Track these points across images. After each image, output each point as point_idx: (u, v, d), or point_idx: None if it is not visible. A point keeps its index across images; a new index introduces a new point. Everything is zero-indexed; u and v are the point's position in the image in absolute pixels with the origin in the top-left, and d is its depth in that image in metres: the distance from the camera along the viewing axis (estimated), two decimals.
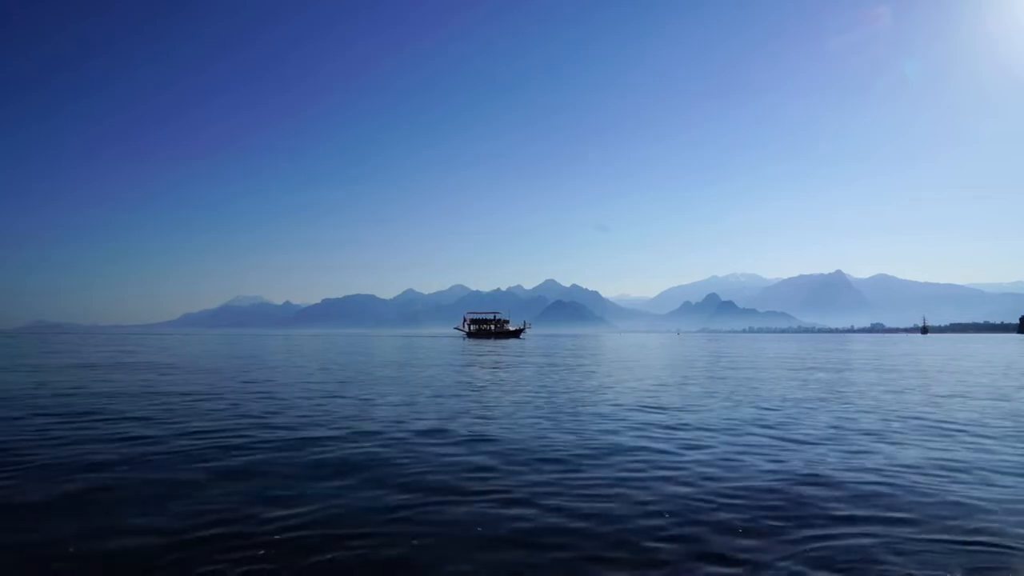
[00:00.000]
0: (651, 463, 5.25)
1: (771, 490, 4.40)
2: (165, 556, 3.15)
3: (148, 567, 3.02)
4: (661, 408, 8.81)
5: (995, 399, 10.28)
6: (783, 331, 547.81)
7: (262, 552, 3.20)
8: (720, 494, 4.28)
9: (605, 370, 17.29)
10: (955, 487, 4.51)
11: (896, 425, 7.39)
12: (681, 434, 6.67)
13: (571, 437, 6.48)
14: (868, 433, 6.79)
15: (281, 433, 6.64)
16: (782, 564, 3.09)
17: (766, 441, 6.28)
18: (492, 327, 69.82)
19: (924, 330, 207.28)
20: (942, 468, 5.11)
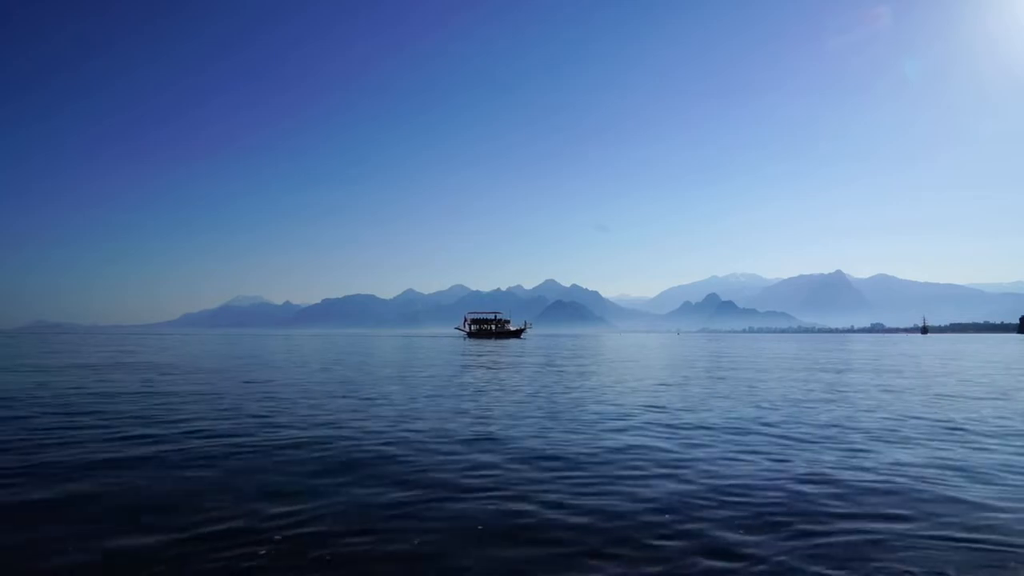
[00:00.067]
0: (652, 461, 5.26)
1: (771, 488, 4.41)
2: (167, 553, 3.16)
3: (149, 566, 3.03)
4: (661, 407, 8.82)
5: (995, 398, 10.29)
6: (783, 331, 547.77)
7: (263, 552, 3.21)
8: (721, 491, 4.30)
9: (605, 370, 17.31)
10: (955, 486, 4.52)
11: (896, 425, 7.40)
12: (682, 433, 6.69)
13: (572, 436, 6.49)
14: (868, 432, 6.81)
15: (282, 432, 6.65)
16: (781, 559, 3.11)
17: (766, 440, 6.29)
18: (493, 327, 69.83)
19: (924, 330, 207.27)
20: (942, 467, 5.12)
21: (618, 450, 5.73)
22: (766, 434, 6.62)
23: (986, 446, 6.04)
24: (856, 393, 11.01)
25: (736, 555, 3.16)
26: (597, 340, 70.00)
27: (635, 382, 13.09)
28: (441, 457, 5.40)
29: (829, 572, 2.95)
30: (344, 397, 10.01)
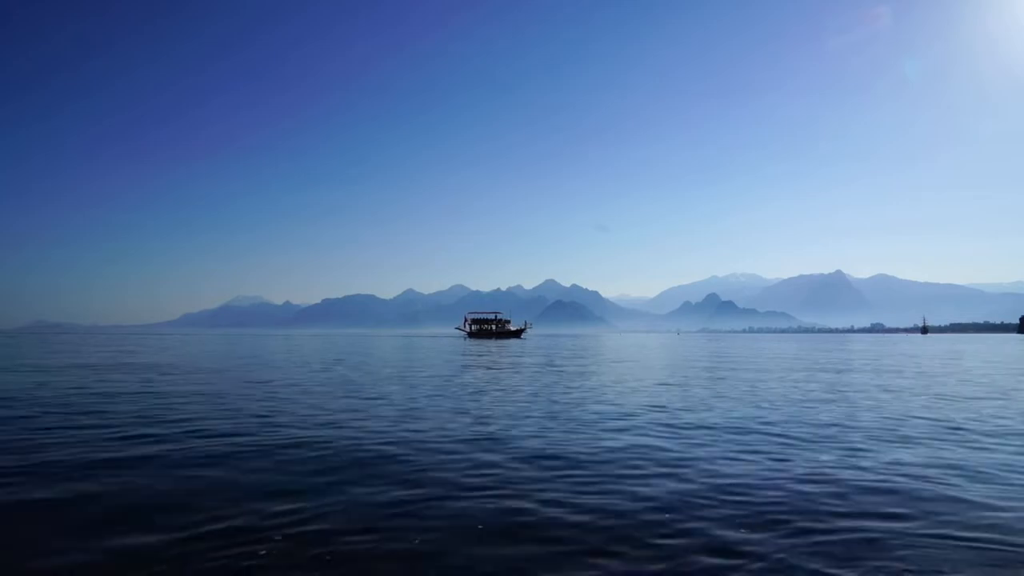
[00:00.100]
0: (652, 461, 5.27)
1: (772, 487, 4.42)
2: (168, 552, 3.16)
3: (150, 565, 3.04)
4: (662, 407, 8.83)
5: (996, 398, 10.30)
6: (783, 331, 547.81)
7: (264, 551, 3.22)
8: (721, 490, 4.31)
9: (605, 370, 17.32)
10: (955, 485, 4.53)
11: (896, 424, 7.41)
12: (682, 433, 6.69)
13: (572, 436, 6.50)
14: (868, 432, 6.81)
15: (283, 432, 6.66)
16: (780, 556, 3.12)
17: (767, 440, 6.30)
18: (493, 327, 69.87)
19: (924, 330, 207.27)
20: (942, 467, 5.13)
21: (618, 450, 5.74)
22: (766, 434, 6.62)
23: (986, 446, 6.05)
24: (856, 393, 11.02)
25: (736, 552, 3.17)
26: (597, 340, 70.01)
27: (635, 382, 13.10)
28: (442, 456, 5.40)
29: (828, 570, 2.95)
30: (344, 397, 10.02)
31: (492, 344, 44.37)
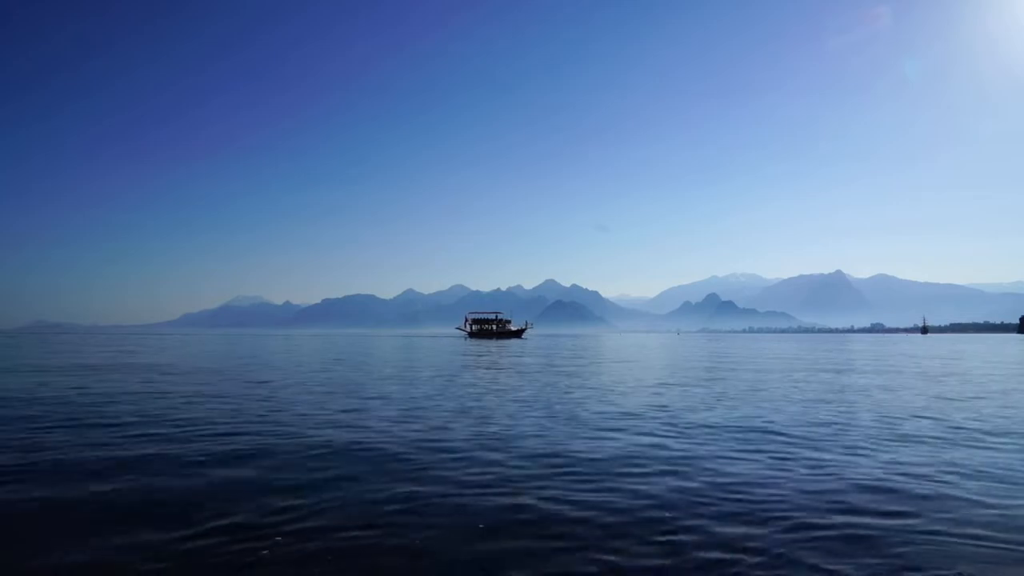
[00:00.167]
0: (653, 459, 5.30)
1: (772, 485, 4.45)
2: (168, 550, 3.19)
3: (151, 564, 3.06)
4: (662, 407, 8.85)
5: (996, 398, 10.32)
6: (783, 331, 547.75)
7: (265, 549, 3.24)
8: (721, 488, 4.34)
9: (606, 370, 17.34)
10: (954, 484, 4.56)
11: (896, 424, 7.43)
12: (682, 432, 6.72)
13: (572, 435, 6.53)
14: (868, 431, 6.84)
15: (283, 431, 6.69)
16: (780, 552, 3.14)
17: (767, 439, 6.33)
18: (494, 327, 69.91)
19: (924, 330, 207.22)
20: (941, 465, 5.16)
21: (619, 449, 5.77)
22: (767, 432, 6.65)
23: (986, 445, 6.07)
24: (856, 393, 11.05)
25: (736, 548, 3.20)
26: (597, 340, 70.02)
27: (635, 382, 13.13)
28: (442, 455, 5.43)
29: (827, 565, 2.98)
30: (345, 397, 10.04)
31: (493, 344, 44.39)
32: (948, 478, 4.66)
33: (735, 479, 4.61)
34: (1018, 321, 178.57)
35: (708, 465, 5.07)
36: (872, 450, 5.71)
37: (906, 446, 5.93)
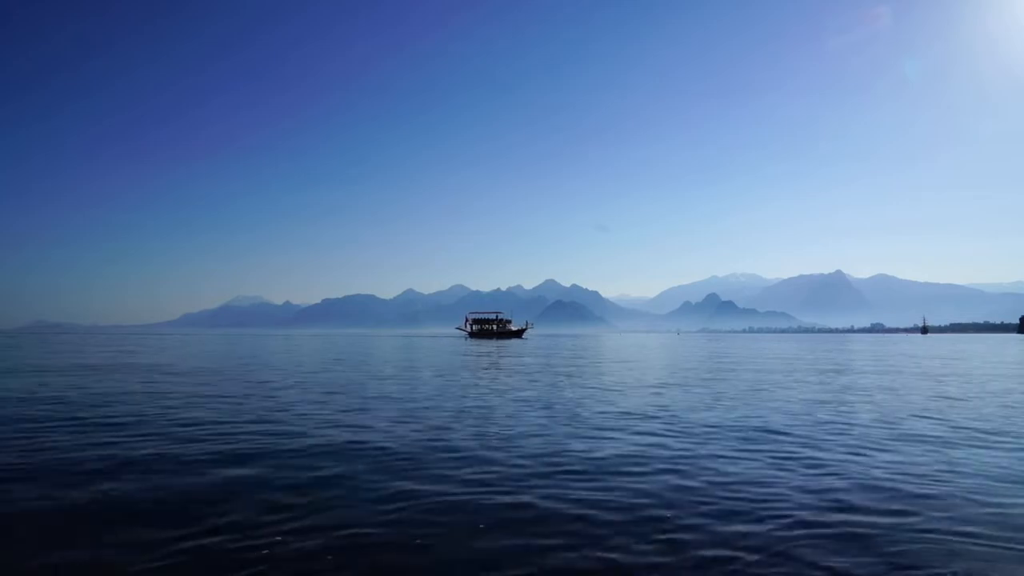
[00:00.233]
0: (653, 458, 5.30)
1: (772, 484, 4.46)
2: (169, 549, 3.20)
3: (152, 563, 3.07)
4: (662, 407, 8.86)
5: (995, 398, 10.33)
6: (783, 331, 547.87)
7: (266, 548, 3.25)
8: (721, 487, 4.35)
9: (606, 370, 17.35)
10: (954, 483, 4.57)
11: (896, 424, 7.45)
12: (682, 432, 6.73)
13: (573, 434, 6.54)
14: (868, 431, 6.85)
15: (283, 430, 6.70)
16: (780, 549, 3.15)
17: (767, 438, 6.34)
18: (494, 327, 69.95)
19: (924, 330, 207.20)
20: (941, 465, 5.17)
21: (619, 448, 5.77)
22: (766, 432, 6.66)
23: (986, 445, 6.08)
24: (856, 393, 11.05)
25: (735, 546, 3.20)
26: (597, 340, 70.04)
27: (635, 382, 13.14)
28: (443, 454, 5.44)
29: (826, 562, 2.99)
30: (345, 396, 10.05)
31: (493, 344, 44.41)
32: (947, 477, 4.67)
33: (735, 478, 4.62)
34: (1018, 321, 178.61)
35: (708, 464, 5.08)
36: (872, 450, 5.72)
37: (906, 446, 5.94)
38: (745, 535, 3.37)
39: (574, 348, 37.24)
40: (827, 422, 7.34)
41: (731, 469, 4.91)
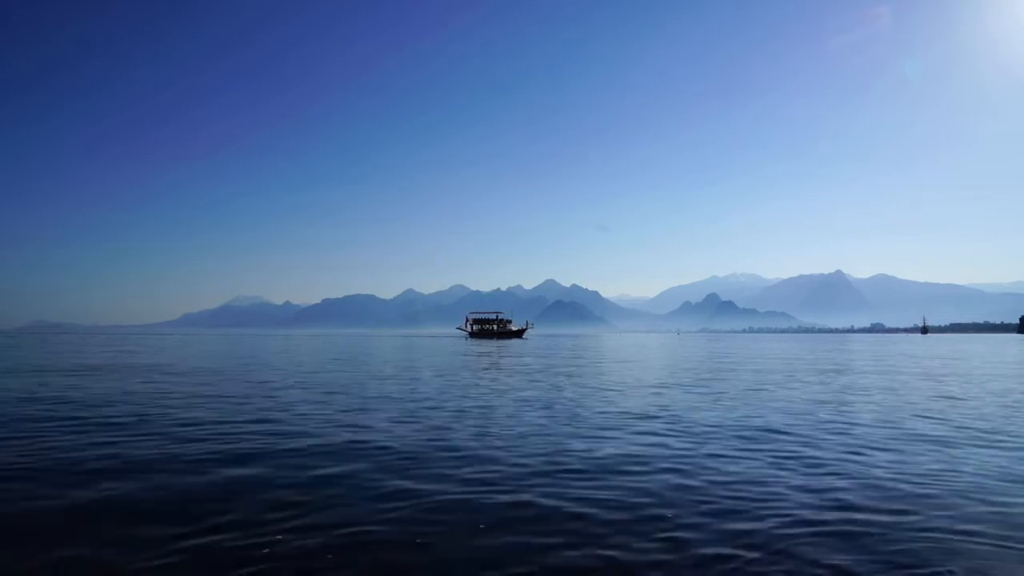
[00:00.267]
0: (653, 458, 5.31)
1: (772, 483, 4.46)
2: (170, 548, 3.20)
3: (153, 562, 3.07)
4: (662, 407, 8.87)
5: (995, 398, 10.33)
6: (783, 331, 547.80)
7: (266, 547, 3.25)
8: (722, 486, 4.35)
9: (606, 370, 17.35)
10: (954, 483, 4.57)
11: (896, 423, 7.45)
12: (683, 432, 6.73)
13: (573, 434, 6.54)
14: (868, 430, 6.86)
15: (283, 430, 6.70)
16: (779, 547, 3.16)
17: (767, 438, 6.34)
18: (495, 327, 69.92)
19: (924, 330, 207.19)
20: (942, 464, 5.17)
21: (619, 447, 5.78)
22: (767, 432, 6.66)
23: (986, 444, 6.08)
24: (856, 393, 11.06)
25: (735, 544, 3.20)
26: (597, 340, 70.04)
27: (636, 382, 13.14)
28: (443, 454, 5.44)
29: (826, 560, 2.99)
30: (345, 396, 10.05)
31: (493, 344, 44.41)
32: (948, 477, 4.68)
33: (735, 477, 4.62)
34: (1018, 321, 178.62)
35: (708, 464, 5.08)
36: (872, 449, 5.72)
37: (906, 445, 5.94)
38: (745, 533, 3.37)
39: (574, 348, 37.24)
40: (827, 422, 7.34)
41: (731, 468, 4.91)
